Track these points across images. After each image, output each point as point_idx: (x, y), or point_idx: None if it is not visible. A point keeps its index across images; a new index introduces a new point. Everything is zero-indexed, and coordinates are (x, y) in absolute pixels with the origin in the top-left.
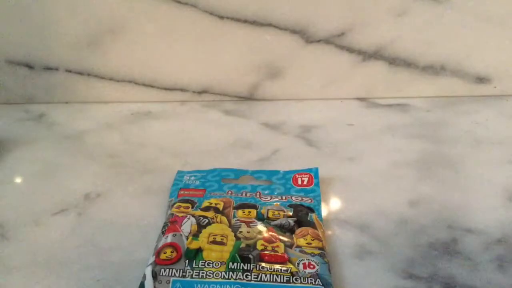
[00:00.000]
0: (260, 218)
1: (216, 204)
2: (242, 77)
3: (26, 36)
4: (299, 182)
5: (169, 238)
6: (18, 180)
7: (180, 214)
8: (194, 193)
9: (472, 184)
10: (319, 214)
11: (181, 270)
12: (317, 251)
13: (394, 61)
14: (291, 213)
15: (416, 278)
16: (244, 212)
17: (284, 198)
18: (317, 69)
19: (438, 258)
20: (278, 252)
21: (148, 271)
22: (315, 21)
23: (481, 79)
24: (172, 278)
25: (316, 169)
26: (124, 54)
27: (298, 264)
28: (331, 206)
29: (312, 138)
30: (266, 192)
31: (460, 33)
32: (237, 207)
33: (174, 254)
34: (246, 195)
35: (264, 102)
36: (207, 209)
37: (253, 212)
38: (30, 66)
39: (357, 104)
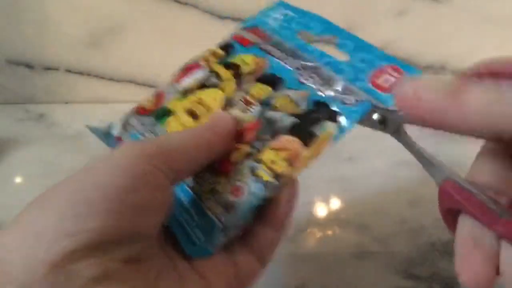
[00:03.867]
0: (266, 102)
1: (245, 64)
2: None
3: (26, 36)
4: (380, 81)
5: (164, 87)
6: (18, 180)
7: (201, 62)
8: (246, 37)
9: None
10: (344, 128)
11: (142, 126)
12: (267, 177)
13: None
14: (299, 111)
15: (416, 278)
16: (260, 88)
17: (326, 93)
18: None
19: (438, 258)
20: (229, 158)
21: (126, 114)
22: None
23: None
24: (133, 130)
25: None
26: (124, 54)
27: (231, 183)
28: (331, 206)
29: None
30: (327, 70)
31: (460, 33)
32: (261, 78)
33: (152, 106)
34: (294, 64)
35: None
36: (230, 66)
37: (268, 90)
38: (30, 66)
39: None
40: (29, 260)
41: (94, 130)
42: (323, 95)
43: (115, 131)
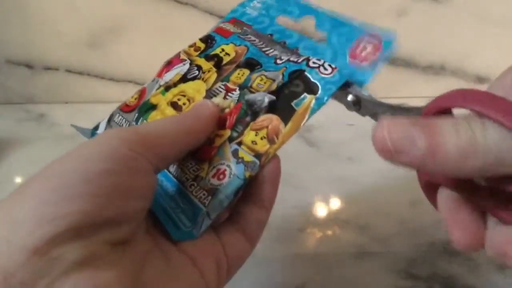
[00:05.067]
0: (244, 86)
1: (226, 53)
2: None
3: (26, 36)
4: (358, 51)
5: (147, 83)
6: (18, 180)
7: (183, 56)
8: (227, 29)
9: None
10: (321, 100)
11: (125, 121)
12: (250, 158)
13: (394, 61)
14: (275, 87)
15: (416, 278)
16: (239, 73)
17: (298, 60)
18: None
19: (438, 258)
20: (212, 144)
21: (114, 111)
22: (315, 21)
23: (481, 79)
24: (116, 126)
25: (391, 39)
26: (124, 54)
27: (213, 168)
28: (331, 206)
29: (312, 138)
30: (306, 51)
31: (460, 33)
32: (240, 64)
33: (135, 102)
34: (272, 49)
35: None
36: (211, 58)
37: (246, 73)
38: (30, 66)
39: None
40: (11, 247)
41: (80, 129)
42: (298, 63)
43: (101, 130)
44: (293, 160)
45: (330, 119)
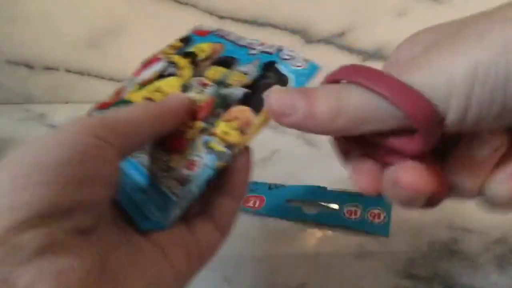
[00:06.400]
0: (220, 82)
1: (202, 51)
2: None
3: (26, 36)
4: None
5: (124, 82)
6: None
7: (160, 56)
8: (204, 29)
9: None
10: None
11: None
12: (221, 148)
13: None
14: (249, 80)
15: (416, 278)
16: (215, 70)
17: (271, 51)
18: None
19: (438, 258)
20: (184, 136)
21: (90, 109)
22: (315, 21)
23: None
24: None
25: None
26: (124, 54)
27: (185, 159)
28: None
29: (312, 138)
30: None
31: None
32: (216, 62)
33: (112, 99)
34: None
35: None
36: (187, 54)
37: (223, 71)
38: (30, 66)
39: None
40: None
41: None
42: (271, 55)
43: None
44: (293, 160)
45: None
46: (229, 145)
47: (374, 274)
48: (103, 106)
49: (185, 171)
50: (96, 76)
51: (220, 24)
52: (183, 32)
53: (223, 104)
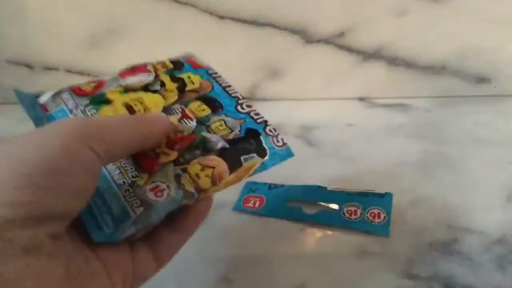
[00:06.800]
0: (202, 122)
1: (190, 82)
2: (242, 77)
3: (26, 36)
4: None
5: (106, 78)
6: None
7: (149, 67)
8: (198, 62)
9: (472, 184)
10: (265, 166)
11: (73, 103)
12: (190, 187)
13: (394, 61)
14: (232, 137)
15: (416, 278)
16: (199, 106)
17: (257, 120)
18: (317, 69)
19: (438, 258)
20: (157, 159)
21: (64, 88)
22: (315, 21)
23: (481, 79)
24: (62, 104)
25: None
26: (124, 54)
27: (153, 182)
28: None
29: (312, 138)
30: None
31: (460, 33)
32: (202, 98)
33: (90, 89)
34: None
35: (264, 102)
36: (176, 79)
37: (206, 110)
38: (30, 66)
39: (357, 104)
40: None
41: (19, 94)
42: (256, 123)
43: (43, 99)
44: (293, 160)
45: (330, 119)
46: (198, 189)
47: (374, 274)
48: (80, 93)
49: (150, 195)
50: (96, 76)
51: (220, 24)
52: (183, 32)
53: (202, 147)
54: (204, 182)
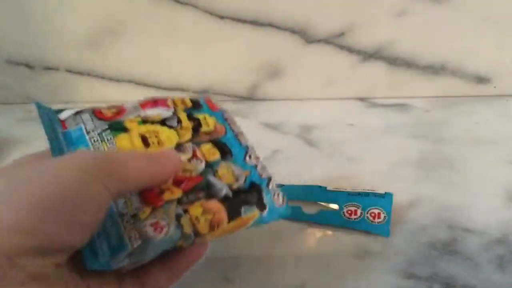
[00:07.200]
0: (211, 165)
1: (206, 123)
2: (242, 77)
3: (26, 36)
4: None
5: (128, 105)
6: None
7: (169, 103)
8: (215, 103)
9: (472, 184)
10: (263, 220)
11: (92, 125)
12: (188, 229)
13: (394, 61)
14: (236, 186)
15: (416, 278)
16: (210, 149)
17: (262, 175)
18: (317, 69)
19: (438, 258)
20: (162, 195)
21: (86, 109)
22: (315, 21)
23: (481, 79)
24: (81, 124)
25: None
26: (124, 54)
27: (155, 218)
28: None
29: (312, 138)
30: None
31: (460, 33)
32: (214, 141)
33: (111, 114)
34: (243, 140)
35: (264, 102)
36: (193, 119)
37: (216, 155)
38: (30, 66)
39: (357, 104)
40: None
41: (40, 107)
42: (261, 178)
43: (64, 115)
44: (293, 160)
45: (330, 119)
46: (196, 232)
47: (374, 274)
48: (100, 116)
49: (150, 230)
50: (96, 76)
51: (220, 24)
52: (183, 32)
53: (206, 190)
54: (203, 226)
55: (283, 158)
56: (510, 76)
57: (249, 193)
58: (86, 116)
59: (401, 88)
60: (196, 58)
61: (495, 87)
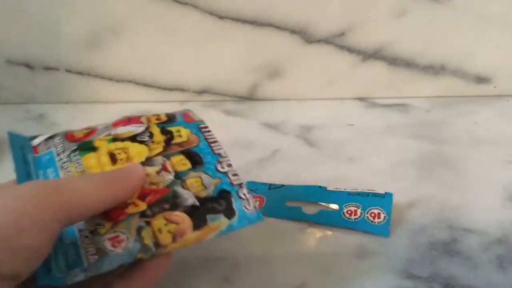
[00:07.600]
0: (179, 176)
1: (179, 135)
2: (242, 77)
3: (26, 36)
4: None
5: (99, 126)
6: None
7: (142, 119)
8: (192, 116)
9: (472, 184)
10: (231, 228)
11: (62, 147)
12: (148, 241)
13: (394, 61)
14: (204, 195)
15: (416, 278)
16: (181, 160)
17: (233, 182)
18: (317, 69)
19: (438, 258)
20: (124, 209)
21: (59, 132)
22: (315, 21)
23: (481, 79)
24: (53, 147)
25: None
26: (124, 54)
27: (114, 232)
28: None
29: (312, 138)
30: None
31: (460, 33)
32: (185, 152)
33: (82, 135)
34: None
35: (264, 102)
36: (165, 132)
37: (187, 165)
38: (30, 66)
39: (357, 104)
40: None
41: (12, 136)
42: (232, 185)
43: (37, 141)
44: (293, 160)
45: (330, 119)
46: (157, 244)
47: (374, 274)
48: (71, 139)
49: (108, 245)
50: (96, 76)
51: (220, 24)
52: (183, 32)
53: (172, 201)
54: (165, 237)
55: (283, 158)
56: (510, 76)
57: (217, 201)
58: (57, 140)
59: (401, 88)
60: (196, 58)
61: (495, 87)
